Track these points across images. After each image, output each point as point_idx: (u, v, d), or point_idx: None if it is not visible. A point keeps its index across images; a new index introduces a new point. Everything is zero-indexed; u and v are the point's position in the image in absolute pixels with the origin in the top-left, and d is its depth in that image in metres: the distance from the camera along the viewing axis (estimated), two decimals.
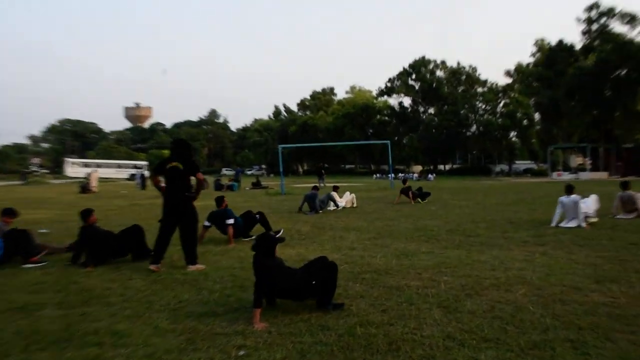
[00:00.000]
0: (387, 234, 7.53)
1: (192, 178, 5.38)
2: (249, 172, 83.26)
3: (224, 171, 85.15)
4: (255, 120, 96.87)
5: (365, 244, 6.68)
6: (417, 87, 56.89)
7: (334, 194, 12.11)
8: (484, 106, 51.98)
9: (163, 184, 5.37)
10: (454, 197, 15.69)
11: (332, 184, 13.76)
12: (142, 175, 27.92)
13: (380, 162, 68.55)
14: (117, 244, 5.71)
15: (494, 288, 4.20)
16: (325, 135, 63.61)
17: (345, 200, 12.53)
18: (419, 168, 60.84)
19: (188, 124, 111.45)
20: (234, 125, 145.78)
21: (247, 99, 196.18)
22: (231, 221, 6.90)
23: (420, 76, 55.98)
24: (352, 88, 71.11)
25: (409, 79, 57.28)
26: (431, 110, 57.47)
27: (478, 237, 7.07)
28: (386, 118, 61.74)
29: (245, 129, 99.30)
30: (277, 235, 4.55)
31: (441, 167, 58.56)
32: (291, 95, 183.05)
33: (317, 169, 26.33)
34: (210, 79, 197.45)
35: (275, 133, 76.00)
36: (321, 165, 28.48)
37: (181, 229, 5.31)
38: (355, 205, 12.52)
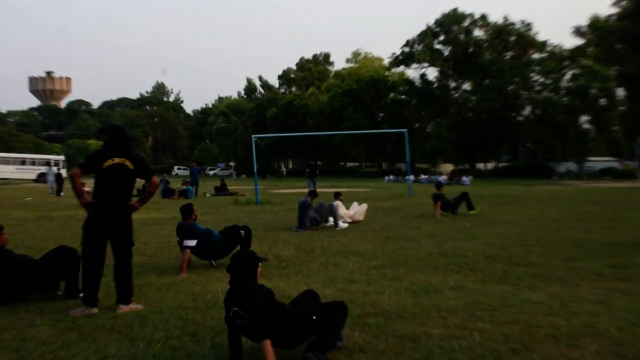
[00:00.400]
0: (401, 261, 7.56)
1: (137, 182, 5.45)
2: (211, 172, 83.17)
3: (176, 170, 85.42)
4: (220, 100, 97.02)
5: (370, 274, 6.70)
6: (446, 53, 57.22)
7: (338, 205, 12.07)
8: (542, 79, 52.23)
9: (88, 189, 5.35)
10: (497, 209, 15.78)
11: (334, 190, 13.70)
12: (59, 175, 27.75)
13: (395, 159, 69.00)
14: (39, 274, 5.65)
15: (551, 341, 4.19)
16: (318, 121, 63.92)
17: (353, 212, 12.61)
18: (448, 167, 61.19)
19: (124, 103, 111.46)
20: (190, 106, 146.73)
21: (209, 70, 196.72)
22: (191, 243, 7.05)
23: (450, 37, 56.26)
24: (356, 55, 71.50)
25: (435, 41, 57.60)
26: (466, 86, 57.81)
27: (530, 266, 7.11)
28: (403, 97, 62.10)
29: (205, 112, 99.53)
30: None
31: (480, 166, 58.94)
32: (270, 64, 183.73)
33: (309, 167, 26.38)
34: (157, 39, 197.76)
35: (249, 117, 76.23)
36: (314, 162, 28.56)
37: (116, 253, 5.29)
38: (360, 219, 12.58)
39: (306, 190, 26.87)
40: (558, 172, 49.33)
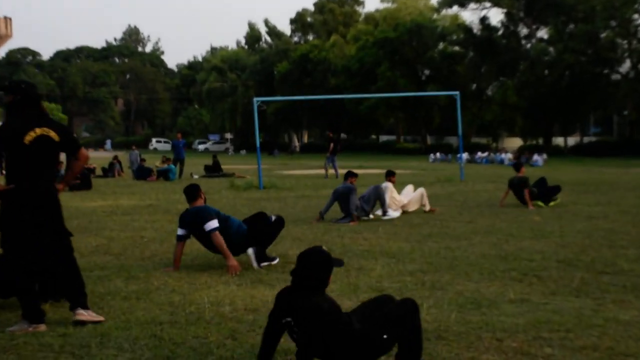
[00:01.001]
0: (446, 266, 7.61)
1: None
2: (200, 147, 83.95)
3: (154, 144, 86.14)
4: (214, 51, 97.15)
5: (404, 282, 6.77)
6: None
7: (388, 187, 12.43)
8: None
9: None
10: (578, 199, 15.76)
11: (385, 170, 13.88)
12: None
13: (443, 131, 68.65)
14: None
15: None
16: (342, 81, 63.77)
17: (407, 199, 13.00)
18: (516, 144, 60.75)
19: (84, 53, 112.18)
20: (173, 59, 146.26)
21: (198, 10, 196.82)
22: (213, 224, 7.30)
23: None
24: None
25: None
26: (542, 34, 57.20)
27: (619, 275, 7.09)
28: (456, 49, 61.60)
29: (194, 67, 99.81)
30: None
31: (559, 141, 58.47)
32: (280, 4, 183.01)
33: (329, 141, 26.43)
34: None
35: (251, 75, 76.37)
36: (332, 134, 28.58)
37: (53, 249, 5.39)
38: (414, 208, 12.97)
39: (322, 171, 27.26)
40: None
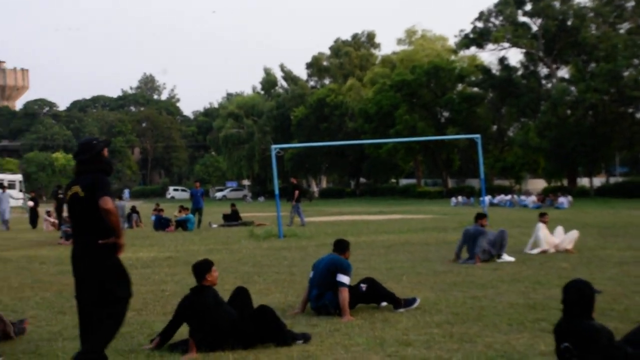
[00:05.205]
0: (473, 316, 7.57)
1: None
2: (218, 195, 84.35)
3: (172, 192, 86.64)
4: (230, 97, 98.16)
5: (432, 334, 6.74)
6: (534, 29, 57.06)
7: (540, 228, 13.60)
8: None
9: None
10: (607, 243, 15.62)
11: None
12: (33, 201, 28.85)
13: (464, 174, 68.55)
14: None
15: None
16: (360, 124, 64.12)
17: (559, 239, 13.71)
18: (539, 185, 60.44)
19: (100, 102, 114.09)
20: (189, 106, 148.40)
21: (214, 57, 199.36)
22: (344, 279, 7.70)
23: (541, 6, 56.01)
24: (410, 34, 71.57)
25: (519, 12, 57.53)
26: (563, 73, 57.32)
27: None
28: (475, 90, 61.82)
29: (210, 113, 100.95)
30: None
31: (584, 182, 58.08)
32: (296, 49, 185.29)
33: (293, 188, 26.48)
34: (143, 21, 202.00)
35: (267, 120, 77.02)
36: (296, 181, 28.49)
37: (91, 312, 5.49)
38: (569, 247, 13.64)
39: (342, 218, 27.14)
40: None
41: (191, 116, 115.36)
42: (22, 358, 6.25)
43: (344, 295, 7.64)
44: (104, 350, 5.42)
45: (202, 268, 6.59)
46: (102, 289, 5.33)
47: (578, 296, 4.71)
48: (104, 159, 5.59)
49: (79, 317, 5.50)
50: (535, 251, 13.57)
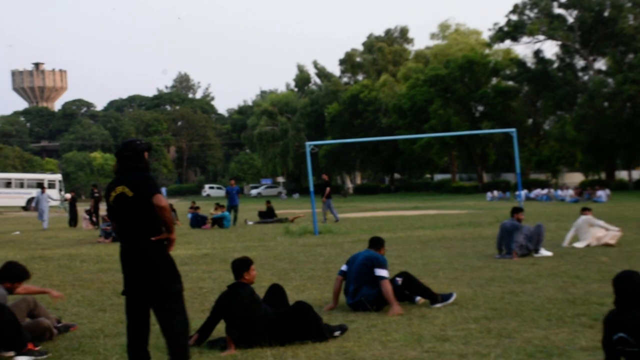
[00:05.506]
0: (512, 311, 7.53)
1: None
2: (253, 192, 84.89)
3: (207, 190, 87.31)
4: (263, 95, 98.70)
5: (469, 329, 6.72)
6: (570, 20, 56.46)
7: (588, 220, 13.64)
8: None
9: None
10: None
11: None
12: (70, 200, 29.29)
13: (499, 168, 67.96)
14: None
15: None
16: (393, 120, 64.00)
17: (603, 233, 13.67)
18: (576, 179, 59.74)
19: (136, 102, 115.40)
20: (223, 104, 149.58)
21: (246, 54, 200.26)
22: (384, 272, 7.87)
23: None
24: (444, 28, 71.18)
25: (555, 3, 56.93)
26: (600, 65, 56.50)
27: None
28: (510, 84, 61.27)
29: (244, 111, 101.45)
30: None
31: (623, 174, 57.23)
32: (329, 45, 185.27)
33: (324, 184, 26.17)
34: (178, 21, 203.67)
35: (301, 117, 77.20)
36: (327, 177, 28.05)
37: (156, 309, 5.51)
38: (611, 242, 13.52)
39: (376, 214, 27.21)
40: None
41: (225, 114, 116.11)
42: (65, 355, 6.37)
43: (388, 287, 7.75)
44: (188, 348, 5.57)
45: (241, 266, 6.65)
46: (156, 285, 5.37)
47: (632, 286, 4.68)
48: (146, 160, 5.65)
49: (128, 314, 5.53)
50: (579, 244, 13.46)
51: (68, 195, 29.56)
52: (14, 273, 6.93)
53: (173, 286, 5.42)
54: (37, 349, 6.34)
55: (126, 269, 5.50)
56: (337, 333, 6.66)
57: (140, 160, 5.56)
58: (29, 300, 6.93)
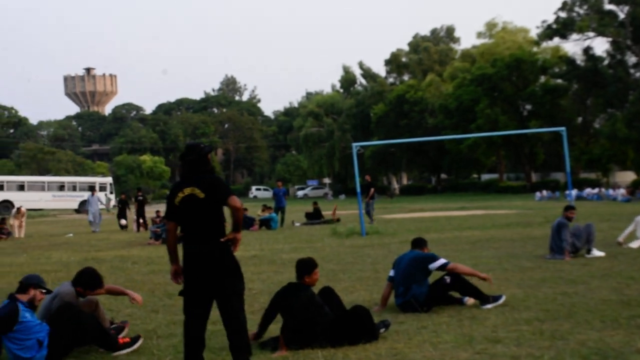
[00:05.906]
0: (564, 313, 7.44)
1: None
2: (300, 194, 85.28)
3: (254, 192, 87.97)
4: (309, 96, 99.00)
5: (521, 331, 6.67)
6: (621, 16, 55.49)
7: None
8: None
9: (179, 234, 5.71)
10: None
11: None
12: (122, 202, 29.58)
13: (548, 167, 66.94)
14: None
15: None
16: (440, 120, 63.66)
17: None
18: (628, 178, 58.59)
19: (184, 105, 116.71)
20: (269, 107, 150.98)
21: (292, 57, 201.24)
22: (441, 261, 8.10)
23: None
24: (491, 26, 70.37)
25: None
26: None
27: None
28: (559, 82, 60.46)
29: (290, 113, 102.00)
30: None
31: None
32: (374, 46, 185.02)
33: (368, 185, 26.04)
34: (224, 25, 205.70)
35: (347, 118, 77.25)
36: (370, 179, 27.87)
37: (222, 307, 5.61)
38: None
39: (423, 215, 27.07)
40: None
41: (272, 116, 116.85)
42: (119, 356, 6.48)
43: (459, 267, 8.26)
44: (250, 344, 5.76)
45: (305, 267, 6.71)
46: (223, 284, 5.47)
47: None
48: (210, 162, 5.75)
49: (188, 314, 5.60)
50: (634, 245, 13.16)
51: (113, 198, 30.01)
52: (91, 282, 7.00)
53: (238, 285, 5.52)
54: (128, 340, 6.56)
55: (194, 270, 5.52)
56: (382, 330, 6.71)
57: (206, 163, 5.67)
58: (92, 302, 7.04)
